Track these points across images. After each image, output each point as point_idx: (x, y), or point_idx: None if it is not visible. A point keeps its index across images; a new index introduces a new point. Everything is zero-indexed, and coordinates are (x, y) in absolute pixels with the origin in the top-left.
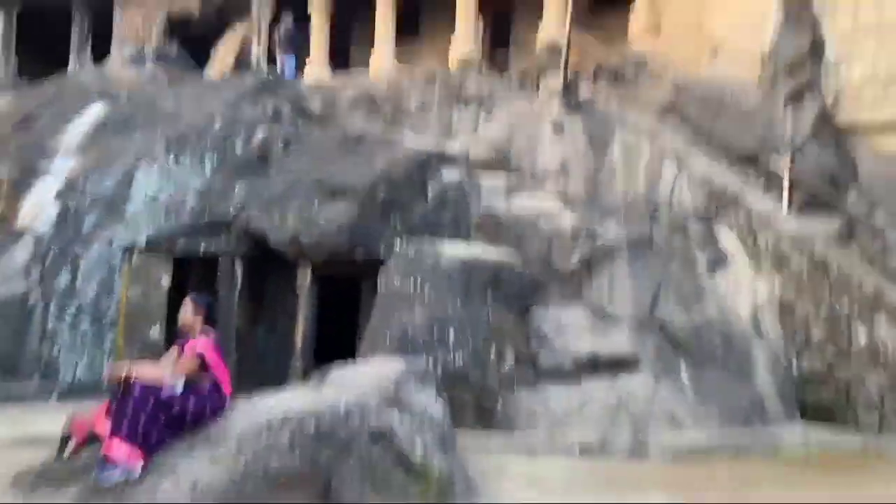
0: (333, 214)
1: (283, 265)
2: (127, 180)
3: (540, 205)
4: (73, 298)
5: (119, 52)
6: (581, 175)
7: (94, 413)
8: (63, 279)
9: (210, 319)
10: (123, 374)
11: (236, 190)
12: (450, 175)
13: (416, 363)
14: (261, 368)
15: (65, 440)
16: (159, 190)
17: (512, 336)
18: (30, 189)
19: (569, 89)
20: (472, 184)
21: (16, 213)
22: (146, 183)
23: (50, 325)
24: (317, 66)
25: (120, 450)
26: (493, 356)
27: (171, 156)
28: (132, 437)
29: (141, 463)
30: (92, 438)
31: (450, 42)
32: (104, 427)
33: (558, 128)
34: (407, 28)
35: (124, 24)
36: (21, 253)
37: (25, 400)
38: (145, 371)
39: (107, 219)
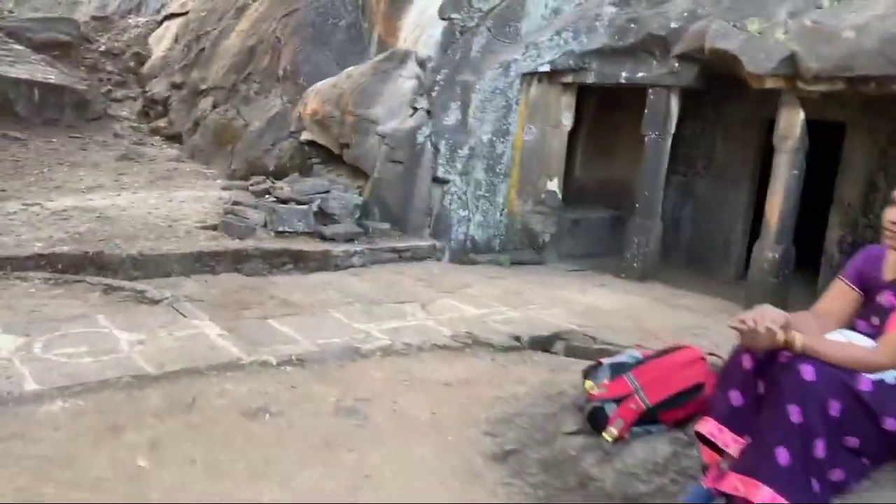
0: (863, 21)
1: (732, 101)
2: None
3: None
4: (465, 139)
5: None
6: None
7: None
8: (453, 115)
9: None
10: (779, 340)
11: None
12: None
13: None
14: (693, 262)
15: (597, 412)
16: None
17: None
18: (409, 5)
19: None
20: None
21: (396, 34)
22: None
23: (440, 171)
24: None
25: (760, 495)
26: None
27: None
28: (789, 476)
29: None
30: (648, 413)
31: None
32: (711, 425)
33: None
34: None
35: None
36: (406, 81)
37: (415, 259)
38: (822, 344)
39: (499, 39)
